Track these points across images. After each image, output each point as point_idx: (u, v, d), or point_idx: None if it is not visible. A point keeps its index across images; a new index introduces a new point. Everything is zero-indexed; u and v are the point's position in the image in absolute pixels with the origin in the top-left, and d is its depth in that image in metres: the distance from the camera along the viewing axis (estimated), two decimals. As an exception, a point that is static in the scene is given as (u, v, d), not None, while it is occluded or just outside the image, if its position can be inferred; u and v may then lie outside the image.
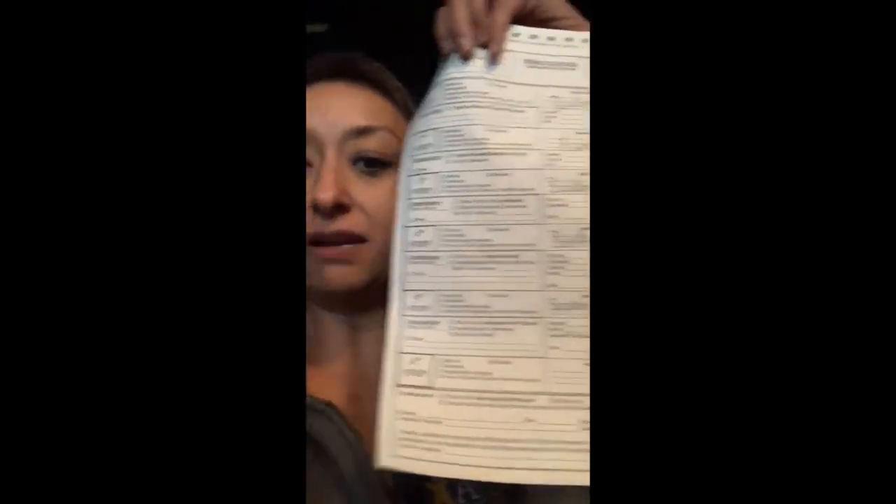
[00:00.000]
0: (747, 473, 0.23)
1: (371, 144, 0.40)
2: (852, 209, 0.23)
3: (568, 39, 0.35)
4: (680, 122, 0.25)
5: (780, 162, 0.24)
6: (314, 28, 1.50)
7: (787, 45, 0.24)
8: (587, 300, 0.32)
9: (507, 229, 0.33)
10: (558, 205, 0.33)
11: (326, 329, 0.44)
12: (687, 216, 0.24)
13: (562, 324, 0.32)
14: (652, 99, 0.25)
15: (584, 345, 0.31)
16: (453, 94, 0.35)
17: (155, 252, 0.24)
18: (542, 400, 0.31)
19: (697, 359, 0.24)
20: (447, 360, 0.33)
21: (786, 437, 0.22)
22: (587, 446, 0.29)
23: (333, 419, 0.37)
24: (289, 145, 0.26)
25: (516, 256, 0.33)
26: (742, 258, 0.24)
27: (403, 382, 0.33)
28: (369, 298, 0.41)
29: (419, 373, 0.33)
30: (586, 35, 0.35)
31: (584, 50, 0.35)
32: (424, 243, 0.35)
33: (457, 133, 0.35)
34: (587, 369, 0.31)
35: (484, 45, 0.35)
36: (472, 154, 0.34)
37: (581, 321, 0.32)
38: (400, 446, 0.31)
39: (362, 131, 0.39)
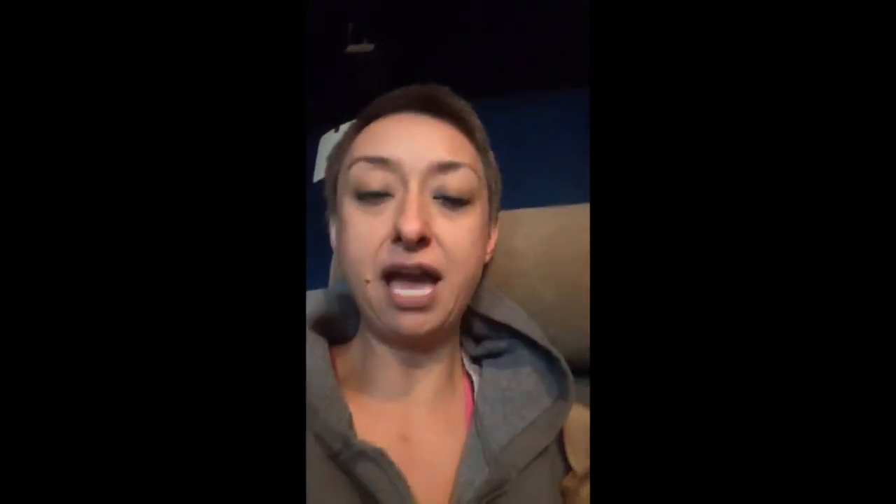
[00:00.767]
0: (743, 477, 0.22)
1: (455, 181, 0.39)
2: (848, 238, 0.22)
3: None
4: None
5: (770, 183, 0.23)
6: (360, 48, 1.55)
7: (776, 81, 0.24)
8: None
9: None
10: None
11: (379, 361, 0.42)
12: (686, 223, 0.24)
13: None
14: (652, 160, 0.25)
15: None
16: None
17: (154, 260, 0.24)
18: None
19: (698, 359, 0.23)
20: None
21: (780, 439, 0.22)
22: None
23: (384, 466, 0.35)
24: (288, 161, 0.26)
25: None
26: (739, 267, 0.23)
27: None
28: (432, 338, 0.40)
29: None
30: None
31: None
32: None
33: None
34: None
35: None
36: None
37: None
38: None
39: (447, 166, 0.38)
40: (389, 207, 0.38)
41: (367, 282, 0.38)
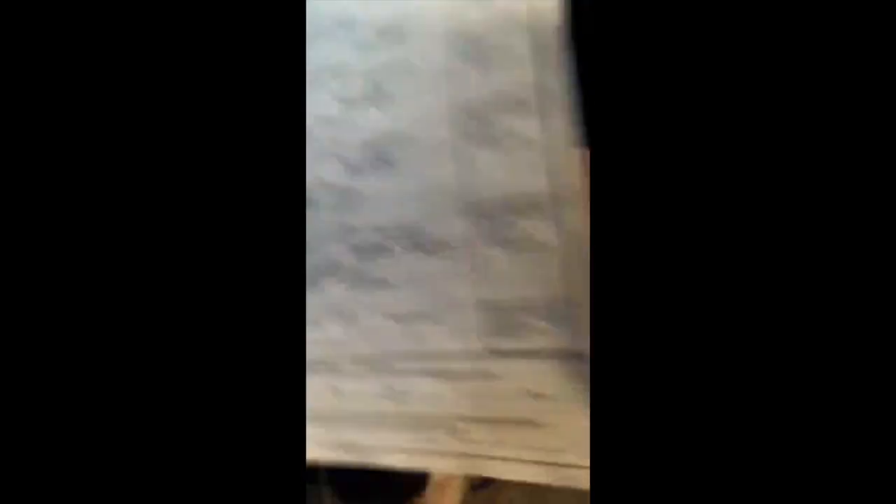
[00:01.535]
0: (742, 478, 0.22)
1: None
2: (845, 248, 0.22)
3: None
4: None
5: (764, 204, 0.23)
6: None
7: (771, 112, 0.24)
8: None
9: None
10: None
11: None
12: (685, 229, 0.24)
13: None
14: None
15: None
16: None
17: (154, 260, 0.25)
18: None
19: (698, 359, 0.23)
20: None
21: (781, 439, 0.22)
22: None
23: None
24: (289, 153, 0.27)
25: None
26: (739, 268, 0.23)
27: None
28: None
29: None
30: None
31: None
32: None
33: None
34: None
35: None
36: None
37: None
38: None
39: None
40: None
41: None
